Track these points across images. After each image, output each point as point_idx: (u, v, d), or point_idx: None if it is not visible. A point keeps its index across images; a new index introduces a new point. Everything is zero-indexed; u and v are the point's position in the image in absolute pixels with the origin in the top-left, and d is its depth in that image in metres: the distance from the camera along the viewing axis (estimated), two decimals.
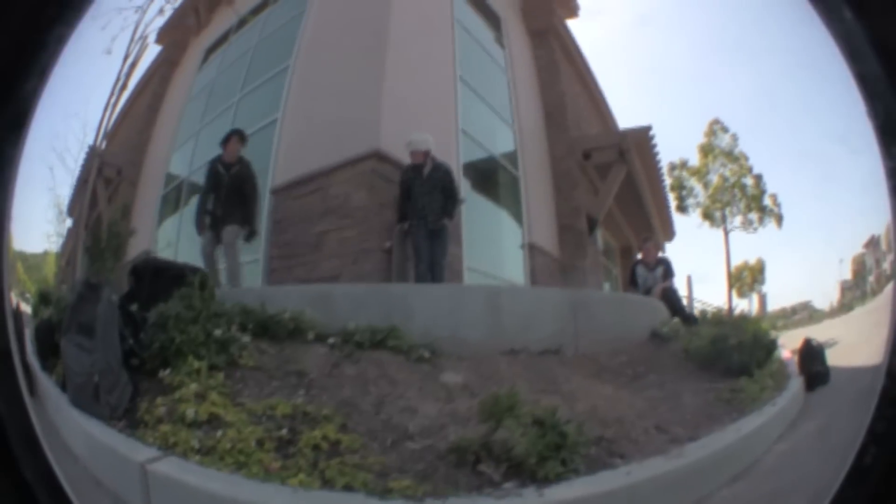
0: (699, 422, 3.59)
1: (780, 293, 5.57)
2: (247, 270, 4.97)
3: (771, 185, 6.84)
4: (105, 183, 5.28)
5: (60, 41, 1.67)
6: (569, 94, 6.34)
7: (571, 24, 6.13)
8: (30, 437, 1.60)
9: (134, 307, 3.82)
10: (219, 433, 2.82)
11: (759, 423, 3.75)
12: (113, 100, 5.00)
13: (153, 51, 5.27)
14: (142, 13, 5.06)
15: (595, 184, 6.39)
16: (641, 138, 6.10)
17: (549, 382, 3.88)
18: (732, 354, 4.55)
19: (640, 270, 5.80)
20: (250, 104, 5.43)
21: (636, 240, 6.86)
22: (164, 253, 5.29)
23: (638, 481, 2.84)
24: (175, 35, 5.88)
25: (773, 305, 5.87)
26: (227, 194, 4.84)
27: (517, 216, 5.84)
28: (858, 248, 4.48)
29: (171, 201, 5.55)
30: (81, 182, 4.86)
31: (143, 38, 5.25)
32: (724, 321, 5.65)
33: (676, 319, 5.30)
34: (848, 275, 4.75)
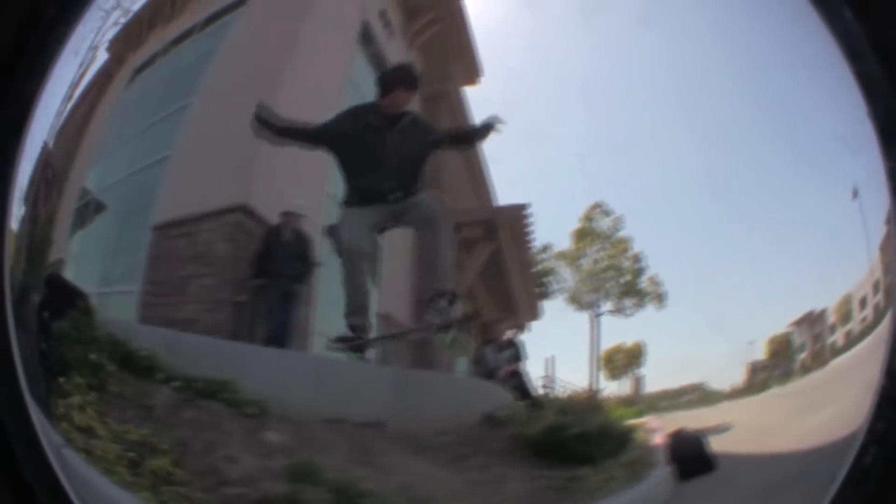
0: None
1: (665, 375, 5.69)
2: (122, 300, 4.70)
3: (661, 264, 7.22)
4: (45, 183, 4.97)
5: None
6: (448, 164, 6.45)
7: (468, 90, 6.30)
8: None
9: (46, 314, 3.74)
10: (93, 442, 2.97)
11: None
12: (65, 101, 5.00)
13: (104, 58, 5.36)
14: (104, 19, 4.86)
15: (462, 258, 6.45)
16: (516, 216, 6.24)
17: (365, 454, 3.87)
18: (570, 444, 4.53)
19: (488, 351, 5.81)
20: (153, 135, 5.33)
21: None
22: (69, 267, 5.06)
23: None
24: (118, 48, 5.61)
25: (657, 387, 5.96)
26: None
27: (375, 283, 5.76)
28: (781, 328, 4.71)
29: (81, 216, 5.30)
30: (30, 179, 4.69)
31: (95, 47, 5.10)
32: (570, 409, 5.69)
33: (522, 404, 5.30)
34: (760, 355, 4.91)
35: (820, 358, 4.44)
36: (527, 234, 6.41)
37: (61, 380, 3.33)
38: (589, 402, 5.97)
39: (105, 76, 5.75)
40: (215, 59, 5.45)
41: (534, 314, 7.00)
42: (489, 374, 5.77)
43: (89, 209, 5.66)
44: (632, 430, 5.56)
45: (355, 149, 3.59)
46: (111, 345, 3.84)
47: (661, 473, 5.12)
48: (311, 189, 5.27)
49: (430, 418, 4.58)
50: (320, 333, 5.25)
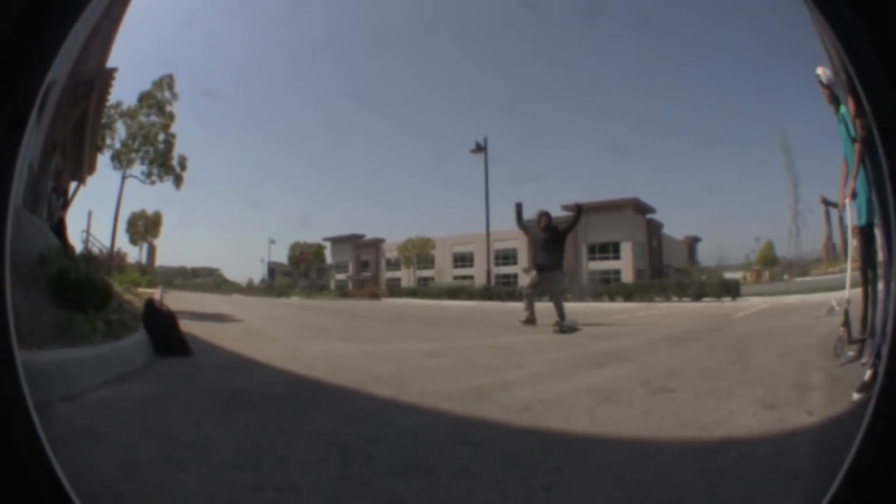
0: None
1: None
2: None
3: None
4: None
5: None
6: None
7: None
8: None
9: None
10: None
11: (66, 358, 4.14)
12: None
13: None
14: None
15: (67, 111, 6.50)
16: (106, 77, 6.44)
17: None
18: (67, 289, 4.99)
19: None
20: None
21: None
22: None
23: None
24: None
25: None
26: None
27: None
28: None
29: None
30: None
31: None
32: (77, 260, 6.13)
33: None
34: None
35: None
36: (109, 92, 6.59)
37: None
38: (93, 259, 6.34)
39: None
40: None
41: (91, 168, 7.21)
42: None
43: None
44: (111, 292, 5.88)
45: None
46: None
47: (138, 339, 5.49)
48: None
49: None
50: None
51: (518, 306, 22.66)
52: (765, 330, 10.21)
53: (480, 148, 33.48)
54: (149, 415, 3.73)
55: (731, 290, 24.51)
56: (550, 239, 11.51)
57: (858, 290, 5.18)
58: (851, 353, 4.84)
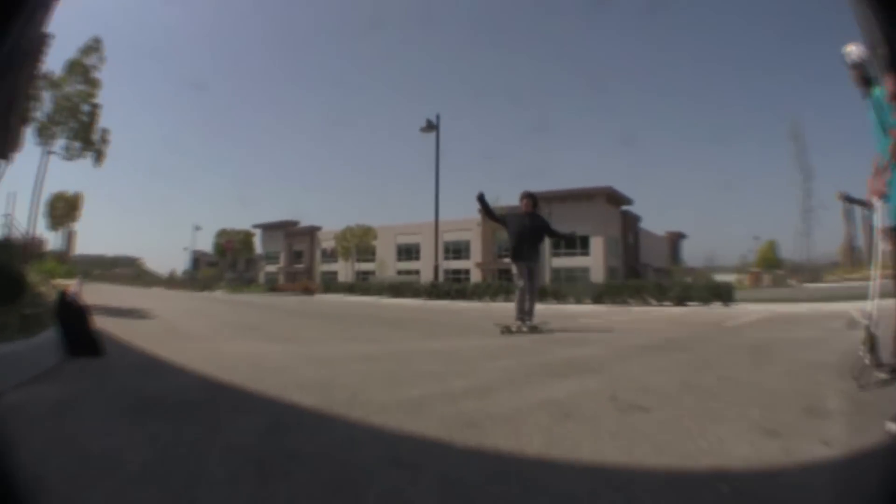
0: None
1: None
2: None
3: None
4: None
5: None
6: None
7: None
8: None
9: None
10: None
11: None
12: None
13: None
14: None
15: None
16: (39, 43, 6.88)
17: None
18: None
19: None
20: None
21: None
22: None
23: None
24: None
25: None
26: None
27: None
28: None
29: None
30: None
31: None
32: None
33: None
34: None
35: None
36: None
37: None
38: (12, 247, 6.63)
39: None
40: None
41: (15, 144, 7.49)
42: None
43: None
44: (27, 284, 6.08)
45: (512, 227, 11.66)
46: None
47: (50, 336, 5.70)
48: None
49: None
50: None
51: (471, 307, 22.67)
52: (765, 342, 10.07)
53: (432, 126, 33.80)
54: (51, 424, 3.71)
55: (723, 294, 25.09)
56: (535, 226, 11.73)
57: (888, 302, 5.12)
58: (881, 375, 4.75)
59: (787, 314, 18.16)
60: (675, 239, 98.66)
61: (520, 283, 11.22)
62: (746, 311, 20.17)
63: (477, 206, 11.63)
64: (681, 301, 25.28)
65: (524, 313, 11.04)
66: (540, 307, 12.62)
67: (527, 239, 11.47)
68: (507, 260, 12.64)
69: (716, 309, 22.45)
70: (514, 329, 10.78)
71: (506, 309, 12.98)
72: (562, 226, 14.73)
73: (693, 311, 21.61)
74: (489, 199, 11.40)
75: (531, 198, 11.82)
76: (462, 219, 68.24)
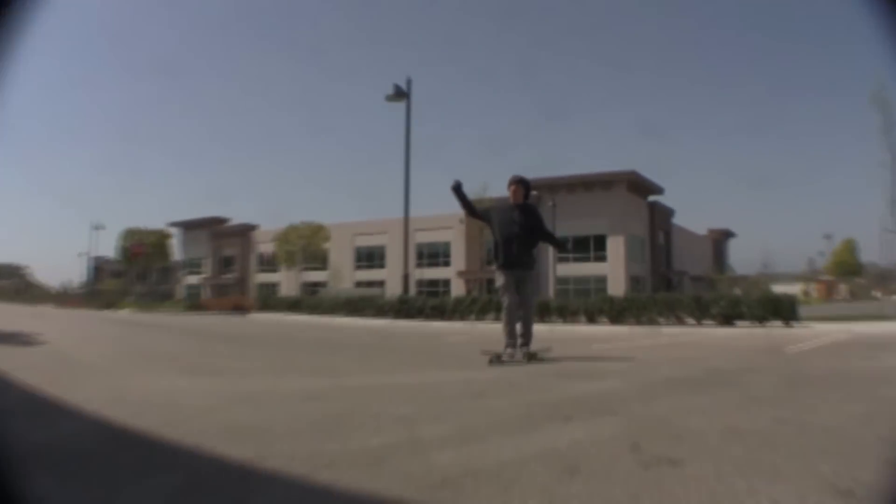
0: None
1: None
2: None
3: None
4: None
5: None
6: None
7: None
8: None
9: None
10: None
11: None
12: None
13: None
14: None
15: None
16: None
17: None
18: None
19: None
20: None
21: None
22: None
23: None
24: None
25: None
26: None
27: None
28: None
29: None
30: None
31: None
32: None
33: None
34: None
35: None
36: None
37: None
38: None
39: None
40: None
41: None
42: None
43: None
44: None
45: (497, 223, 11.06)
46: None
47: None
48: None
49: None
50: None
51: (451, 328, 22.70)
52: (840, 373, 9.94)
53: (402, 94, 33.61)
54: None
55: (784, 310, 25.10)
56: (526, 224, 11.00)
57: None
58: None
59: (870, 335, 18.18)
60: (720, 238, 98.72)
61: (505, 298, 10.70)
62: (815, 331, 20.17)
63: (454, 197, 10.97)
64: (727, 320, 25.28)
65: (517, 337, 10.57)
66: (541, 328, 12.43)
67: (516, 239, 10.81)
68: (494, 267, 11.40)
69: (774, 329, 22.43)
70: (504, 358, 10.34)
71: (495, 331, 12.81)
72: (569, 223, 14.65)
73: (744, 332, 21.57)
74: (476, 188, 11.06)
75: (522, 184, 11.13)
76: (440, 214, 67.62)
